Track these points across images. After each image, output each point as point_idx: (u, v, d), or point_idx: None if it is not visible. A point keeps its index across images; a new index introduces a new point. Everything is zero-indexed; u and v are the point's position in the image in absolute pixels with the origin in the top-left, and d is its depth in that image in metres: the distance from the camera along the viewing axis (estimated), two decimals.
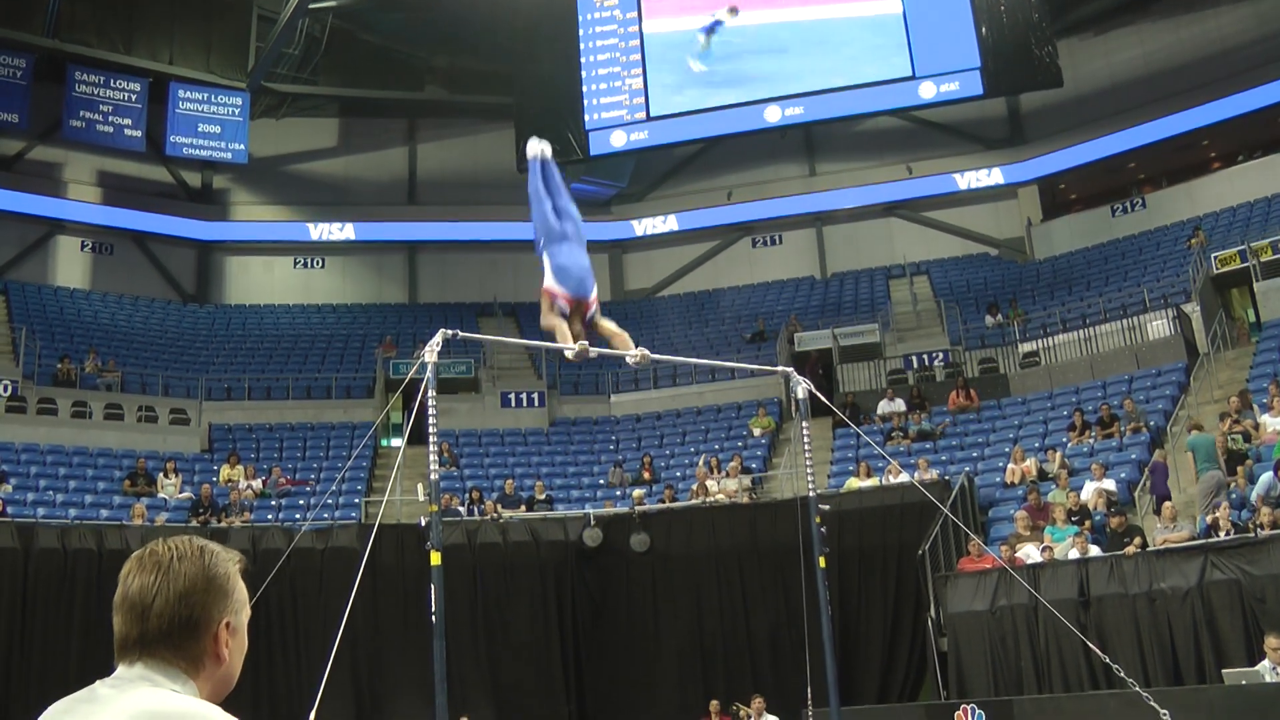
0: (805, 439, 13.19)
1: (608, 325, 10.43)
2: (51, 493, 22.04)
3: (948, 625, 16.88)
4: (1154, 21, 33.12)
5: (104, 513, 21.48)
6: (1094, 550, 16.45)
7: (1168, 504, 16.99)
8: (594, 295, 10.30)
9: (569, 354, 9.98)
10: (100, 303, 32.47)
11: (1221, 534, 15.59)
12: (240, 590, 2.44)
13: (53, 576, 18.09)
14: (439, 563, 9.93)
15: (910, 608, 18.32)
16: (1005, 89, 31.96)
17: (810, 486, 12.92)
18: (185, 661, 2.33)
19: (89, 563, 18.29)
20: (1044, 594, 15.08)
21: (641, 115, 32.46)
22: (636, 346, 10.46)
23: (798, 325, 30.27)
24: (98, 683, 2.28)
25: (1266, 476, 16.26)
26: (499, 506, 21.75)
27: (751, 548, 19.72)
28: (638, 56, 32.77)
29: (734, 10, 31.91)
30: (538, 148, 10.76)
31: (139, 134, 32.03)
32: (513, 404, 28.63)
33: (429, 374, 10.34)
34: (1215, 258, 25.80)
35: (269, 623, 18.47)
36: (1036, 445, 21.78)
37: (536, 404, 28.77)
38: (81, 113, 31.23)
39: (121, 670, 2.32)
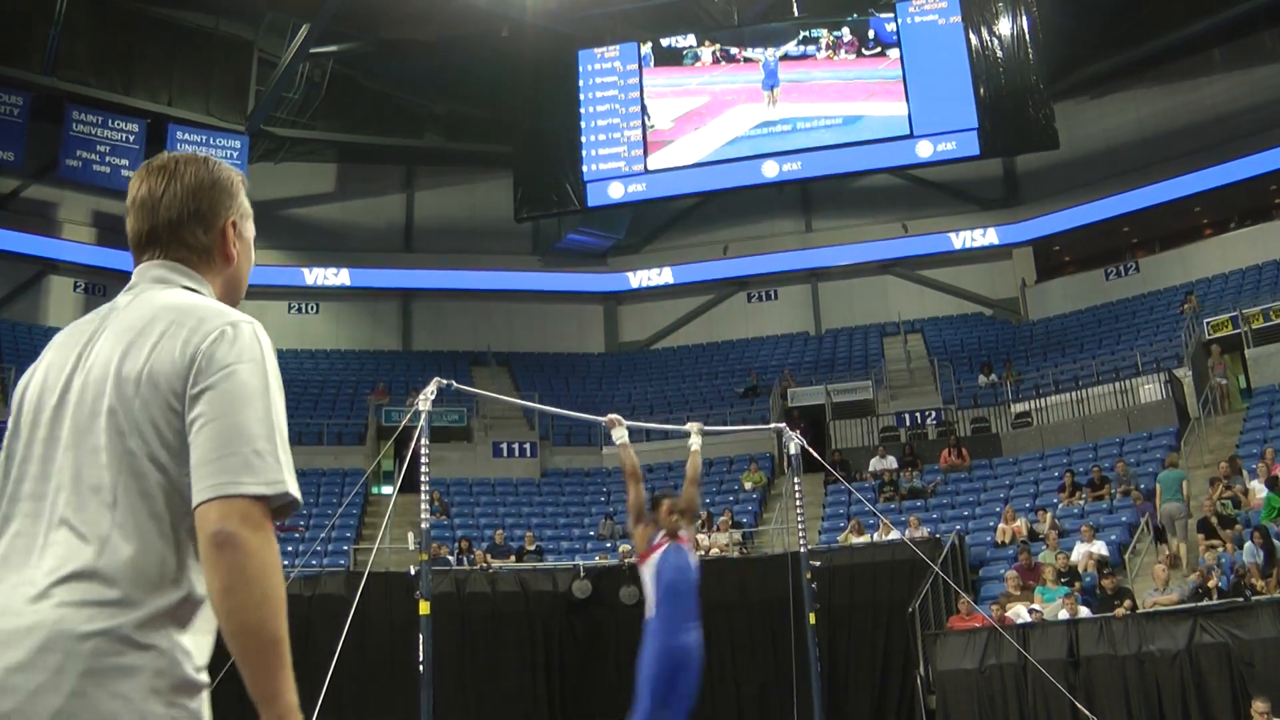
0: (797, 494, 13.18)
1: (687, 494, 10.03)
2: None
3: (936, 683, 16.81)
4: (1149, 87, 33.36)
5: None
6: (1084, 611, 16.42)
7: (1159, 566, 17.02)
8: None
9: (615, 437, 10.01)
10: None
11: (1213, 597, 15.59)
12: (246, 202, 2.61)
13: None
14: (428, 612, 9.89)
15: (899, 665, 18.24)
16: (1001, 150, 32.13)
17: (801, 542, 12.90)
18: (195, 256, 2.50)
19: None
20: (1033, 654, 15.06)
21: (640, 167, 32.56)
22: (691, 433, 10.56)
23: (791, 381, 30.29)
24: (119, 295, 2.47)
25: (1248, 546, 16.35)
26: (488, 556, 21.68)
27: (741, 602, 19.63)
28: (637, 108, 32.90)
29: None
30: None
31: None
32: (504, 454, 28.59)
33: (422, 422, 10.33)
34: (1208, 323, 25.91)
35: None
36: (1027, 505, 21.78)
37: (528, 454, 28.73)
38: (78, 152, 31.19)
39: (134, 276, 2.48)
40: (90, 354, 2.35)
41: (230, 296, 2.56)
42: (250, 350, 2.26)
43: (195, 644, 2.22)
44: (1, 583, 2.21)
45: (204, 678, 2.23)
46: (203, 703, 2.22)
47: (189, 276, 2.47)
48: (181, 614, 2.20)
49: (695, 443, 10.54)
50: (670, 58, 33.11)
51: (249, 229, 2.63)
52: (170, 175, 2.51)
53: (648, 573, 9.15)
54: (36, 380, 2.47)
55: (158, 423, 2.23)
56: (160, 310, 2.33)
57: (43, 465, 2.31)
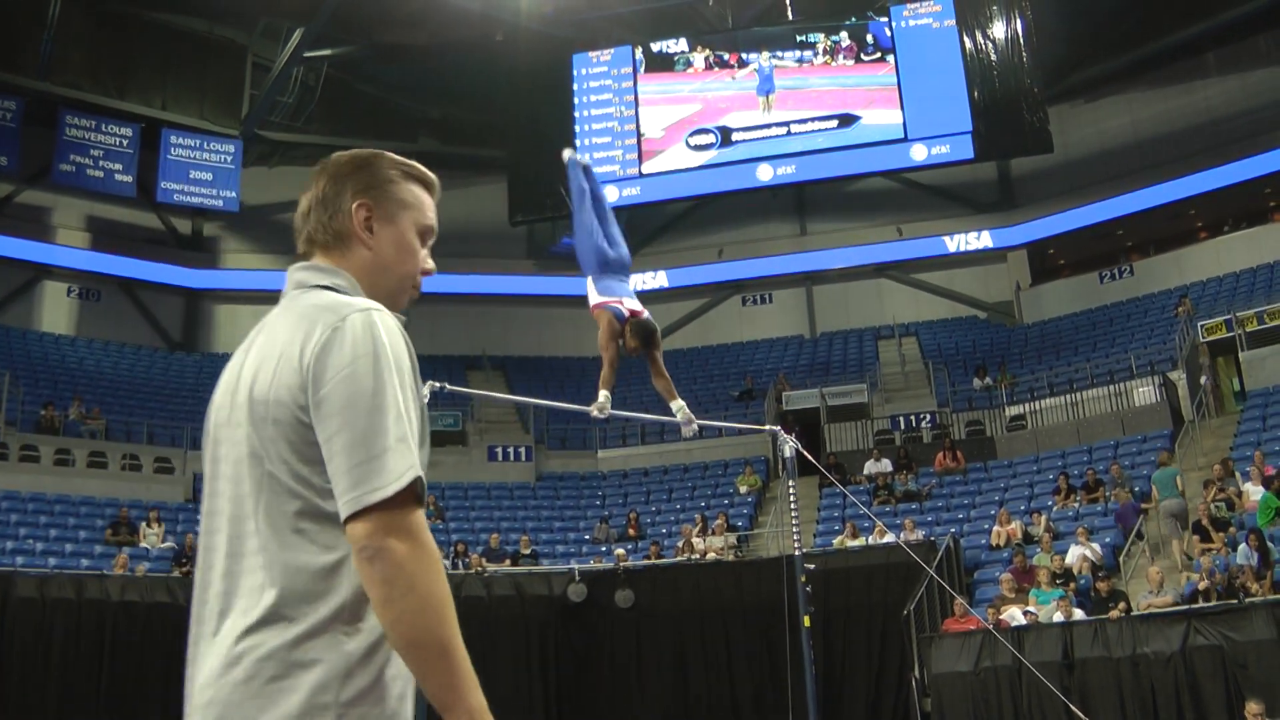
0: (792, 498, 13.16)
1: (661, 370, 10.58)
2: (31, 541, 21.85)
3: (931, 686, 16.80)
4: (1144, 91, 33.38)
5: (84, 562, 21.28)
6: (1078, 613, 16.42)
7: (1153, 569, 17.02)
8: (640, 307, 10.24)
9: (594, 411, 10.14)
10: (86, 349, 32.30)
11: (1210, 598, 15.60)
12: (402, 190, 2.60)
13: (30, 626, 17.88)
14: None
15: (894, 668, 18.24)
16: (996, 153, 32.18)
17: (796, 545, 12.88)
18: (330, 241, 2.53)
19: (67, 612, 18.10)
20: (1028, 656, 15.05)
21: (634, 171, 32.58)
22: (674, 400, 10.63)
23: (786, 384, 30.28)
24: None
25: (1242, 548, 16.38)
26: (484, 560, 21.66)
27: (736, 606, 19.62)
28: (631, 113, 32.89)
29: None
30: (572, 154, 10.64)
31: (130, 179, 32.02)
32: (499, 458, 28.55)
33: None
34: (1202, 326, 25.89)
35: None
36: (1022, 508, 21.77)
37: (523, 458, 28.70)
38: (72, 157, 31.19)
39: (286, 283, 2.52)
40: (242, 374, 2.40)
41: (375, 284, 2.54)
42: (358, 345, 2.24)
43: (374, 645, 2.24)
44: (204, 614, 2.32)
45: (390, 676, 2.26)
46: (390, 699, 2.24)
47: (325, 272, 2.49)
48: (349, 616, 2.22)
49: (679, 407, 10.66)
50: (661, 63, 33.11)
51: (404, 216, 2.59)
52: (321, 169, 2.60)
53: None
54: (214, 403, 2.50)
55: (291, 439, 2.26)
56: (287, 321, 2.37)
57: (216, 501, 2.39)
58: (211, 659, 2.24)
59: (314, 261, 2.53)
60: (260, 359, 2.35)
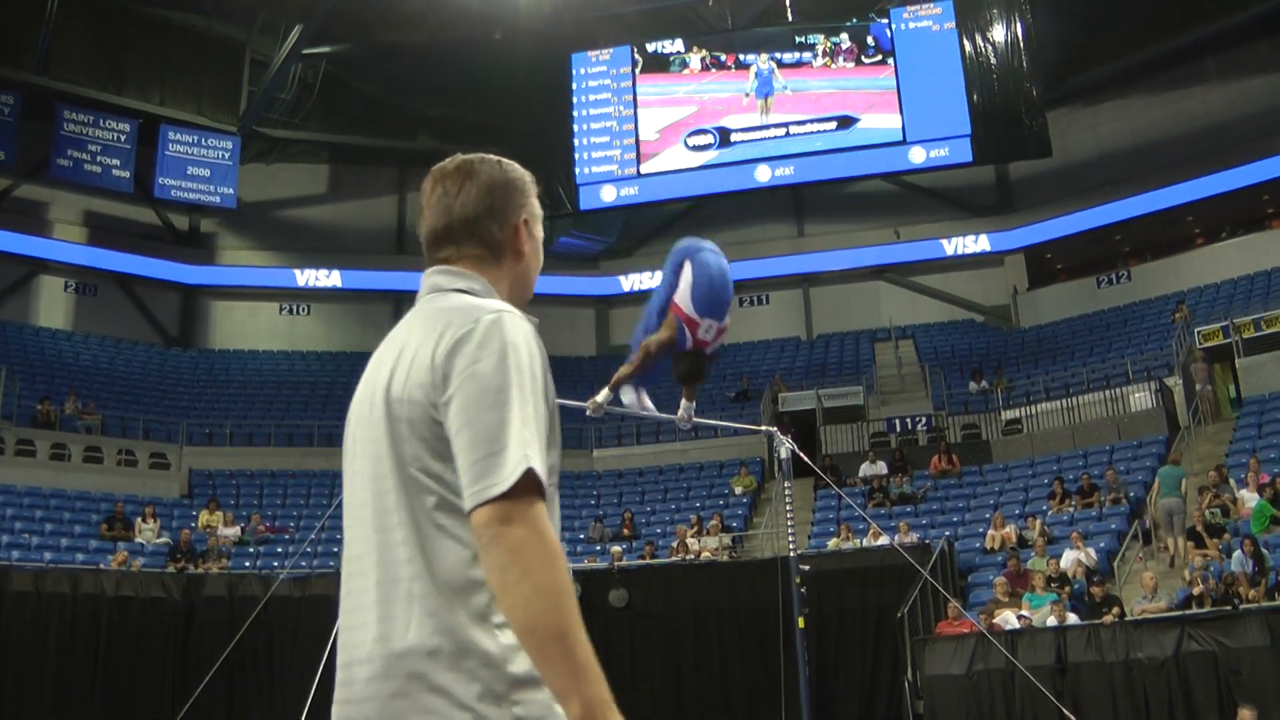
0: (787, 499, 13.17)
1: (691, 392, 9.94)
2: (27, 535, 21.85)
3: (925, 688, 16.80)
4: (1142, 96, 33.37)
5: (80, 556, 21.28)
6: (1072, 618, 16.43)
7: (1147, 574, 17.04)
8: (721, 328, 8.97)
9: (589, 409, 9.96)
10: (82, 344, 32.29)
11: (1204, 604, 15.62)
12: (536, 204, 2.76)
13: (26, 620, 17.88)
14: None
15: (888, 670, 18.23)
16: (994, 157, 32.15)
17: (791, 546, 12.88)
18: (487, 252, 2.64)
19: (62, 607, 18.10)
20: (1021, 660, 15.06)
21: (632, 171, 32.56)
22: (687, 400, 10.28)
23: (782, 385, 30.27)
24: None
25: (1237, 555, 16.39)
26: None
27: (731, 606, 19.60)
28: (630, 112, 32.87)
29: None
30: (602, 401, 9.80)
31: (127, 175, 32.00)
32: None
33: None
34: (1199, 333, 25.90)
35: (244, 671, 18.34)
36: (1017, 512, 21.77)
37: None
38: (69, 152, 31.17)
39: (421, 285, 2.63)
40: (379, 374, 2.50)
41: (519, 293, 2.71)
42: (486, 346, 2.31)
43: None
44: (363, 602, 2.41)
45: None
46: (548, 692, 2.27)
47: (465, 278, 2.59)
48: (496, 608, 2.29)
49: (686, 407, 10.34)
50: (657, 64, 33.05)
51: (539, 230, 2.77)
52: (467, 175, 2.65)
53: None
54: (354, 403, 2.63)
55: (425, 436, 2.35)
56: (421, 322, 2.47)
57: (356, 495, 2.54)
58: (374, 649, 2.33)
59: (450, 267, 2.61)
60: (396, 359, 2.44)
